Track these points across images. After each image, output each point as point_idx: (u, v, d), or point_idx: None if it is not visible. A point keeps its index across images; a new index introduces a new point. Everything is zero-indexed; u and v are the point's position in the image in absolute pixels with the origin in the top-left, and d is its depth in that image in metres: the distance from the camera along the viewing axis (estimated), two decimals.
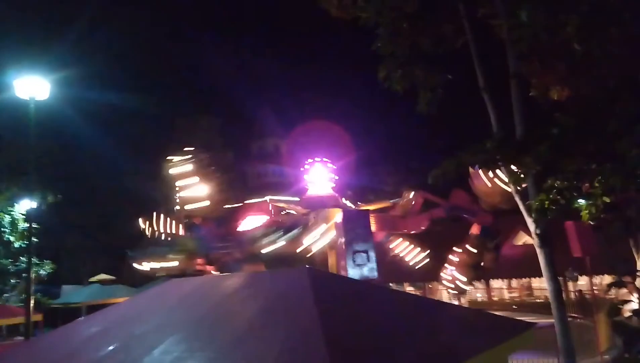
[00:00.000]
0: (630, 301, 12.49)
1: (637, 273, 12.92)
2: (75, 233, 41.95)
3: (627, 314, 12.32)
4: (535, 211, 8.97)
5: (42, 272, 27.00)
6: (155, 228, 16.36)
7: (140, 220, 17.41)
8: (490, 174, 14.28)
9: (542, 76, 10.69)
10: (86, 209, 41.57)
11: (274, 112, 49.13)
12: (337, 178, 18.56)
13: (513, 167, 9.78)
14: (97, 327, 5.49)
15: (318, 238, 14.99)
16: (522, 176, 9.53)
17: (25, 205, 23.45)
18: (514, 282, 29.27)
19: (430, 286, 30.93)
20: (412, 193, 17.69)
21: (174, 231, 16.01)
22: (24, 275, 24.23)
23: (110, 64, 58.86)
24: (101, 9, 55.87)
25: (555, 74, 10.47)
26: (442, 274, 18.29)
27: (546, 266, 9.70)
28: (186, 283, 7.04)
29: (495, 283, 29.82)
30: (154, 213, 16.69)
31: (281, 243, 14.62)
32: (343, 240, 14.66)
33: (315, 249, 14.92)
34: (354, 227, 14.79)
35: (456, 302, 20.74)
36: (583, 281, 22.73)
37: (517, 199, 10.31)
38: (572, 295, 24.55)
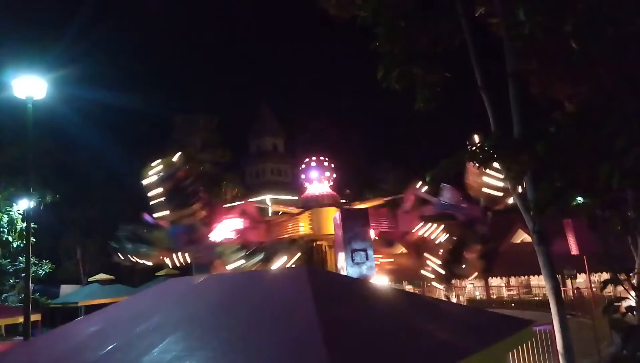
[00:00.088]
0: (626, 298, 12.52)
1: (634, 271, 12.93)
2: (74, 233, 41.95)
3: (624, 311, 12.33)
4: (534, 209, 9.00)
5: (40, 272, 26.98)
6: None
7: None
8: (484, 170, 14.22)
9: (541, 74, 10.70)
10: (85, 208, 41.52)
11: (272, 111, 49.18)
12: (334, 176, 18.56)
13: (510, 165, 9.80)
14: (96, 326, 5.50)
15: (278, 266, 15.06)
16: (520, 174, 9.55)
17: (23, 205, 23.39)
18: (513, 280, 29.35)
19: (429, 285, 30.97)
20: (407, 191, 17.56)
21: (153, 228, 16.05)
22: (22, 274, 24.26)
23: (108, 63, 58.79)
24: (98, 8, 55.77)
25: (554, 73, 10.48)
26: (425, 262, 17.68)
27: (544, 263, 9.71)
28: (185, 282, 7.06)
29: (494, 281, 29.94)
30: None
31: (242, 263, 14.70)
32: (341, 238, 14.67)
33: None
34: (353, 226, 14.80)
35: (454, 300, 20.63)
36: (581, 279, 22.80)
37: (515, 197, 10.33)
38: (571, 293, 24.65)
